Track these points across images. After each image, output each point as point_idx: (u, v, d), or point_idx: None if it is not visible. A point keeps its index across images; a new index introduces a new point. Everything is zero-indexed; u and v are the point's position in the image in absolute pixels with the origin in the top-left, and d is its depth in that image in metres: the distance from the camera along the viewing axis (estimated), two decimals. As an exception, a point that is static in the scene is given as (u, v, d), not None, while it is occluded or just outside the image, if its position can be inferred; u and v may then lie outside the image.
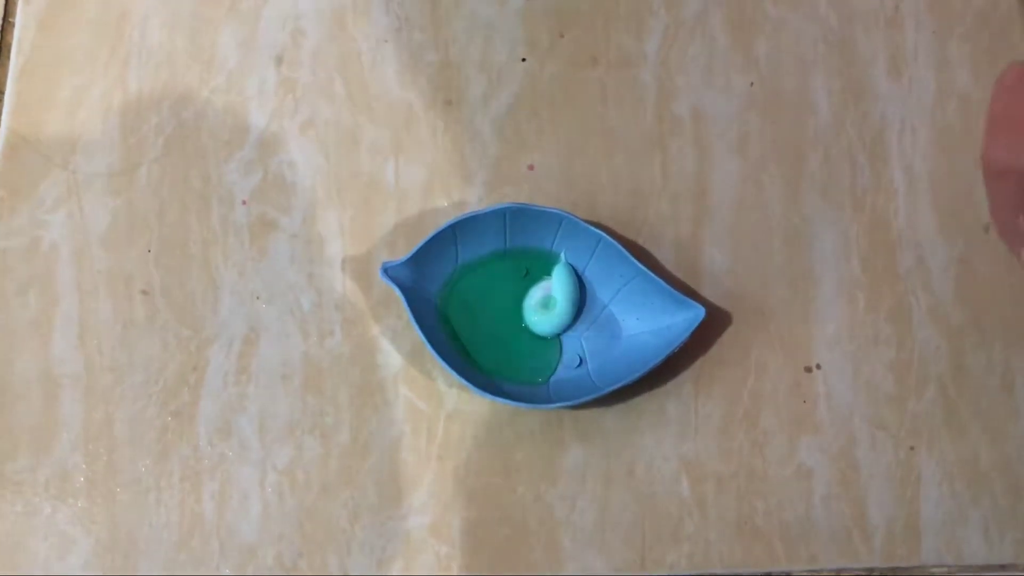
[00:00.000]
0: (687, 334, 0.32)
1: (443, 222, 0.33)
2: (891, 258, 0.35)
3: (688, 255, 0.35)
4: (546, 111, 0.37)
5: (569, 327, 0.34)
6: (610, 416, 0.34)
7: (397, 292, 0.33)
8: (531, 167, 0.36)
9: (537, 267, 0.35)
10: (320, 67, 0.37)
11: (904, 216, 0.35)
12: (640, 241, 0.35)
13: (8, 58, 0.37)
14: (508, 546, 0.33)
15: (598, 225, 0.33)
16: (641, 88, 0.37)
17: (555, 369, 0.34)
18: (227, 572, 0.32)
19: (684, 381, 0.34)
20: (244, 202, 0.36)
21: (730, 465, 0.33)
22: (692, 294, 0.35)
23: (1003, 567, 0.33)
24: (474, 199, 0.36)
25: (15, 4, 0.38)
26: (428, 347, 0.32)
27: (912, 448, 0.33)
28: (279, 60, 0.37)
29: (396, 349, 0.34)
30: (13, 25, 0.38)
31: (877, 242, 0.35)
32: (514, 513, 0.33)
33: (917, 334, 0.34)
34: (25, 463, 0.34)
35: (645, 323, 0.34)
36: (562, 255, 0.34)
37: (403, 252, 0.34)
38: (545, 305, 0.34)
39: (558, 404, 0.32)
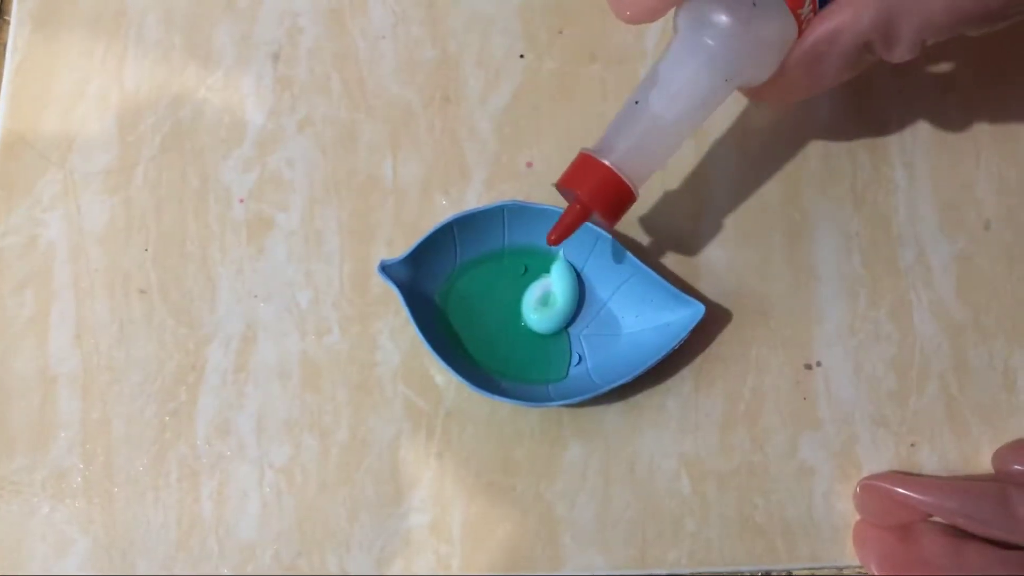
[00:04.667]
0: (687, 331, 0.32)
1: (441, 219, 0.33)
2: (892, 254, 0.35)
3: (687, 252, 0.35)
4: (545, 108, 0.36)
5: (568, 325, 0.34)
6: (610, 413, 0.34)
7: (395, 290, 0.32)
8: (530, 164, 0.36)
9: (536, 264, 0.35)
10: (317, 64, 0.37)
11: (905, 212, 0.35)
12: (639, 238, 0.35)
13: (3, 56, 0.37)
14: (508, 544, 0.33)
15: (596, 222, 0.33)
16: (640, 84, 0.37)
17: (567, 370, 0.34)
18: (226, 571, 0.32)
19: (684, 378, 0.34)
20: (241, 200, 0.36)
21: (731, 462, 0.33)
22: (691, 291, 0.34)
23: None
24: (473, 196, 0.36)
25: (10, 1, 0.38)
26: (426, 345, 0.32)
27: (913, 445, 0.33)
28: (276, 57, 0.37)
29: (395, 347, 0.34)
30: (8, 23, 0.38)
31: (878, 238, 0.35)
32: (514, 511, 0.33)
33: (918, 330, 0.34)
34: (22, 463, 0.33)
35: (645, 320, 0.34)
36: (560, 252, 0.34)
37: (401, 250, 0.34)
38: (544, 302, 0.34)
39: (558, 402, 0.32)
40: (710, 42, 0.28)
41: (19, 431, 0.34)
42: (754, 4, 0.27)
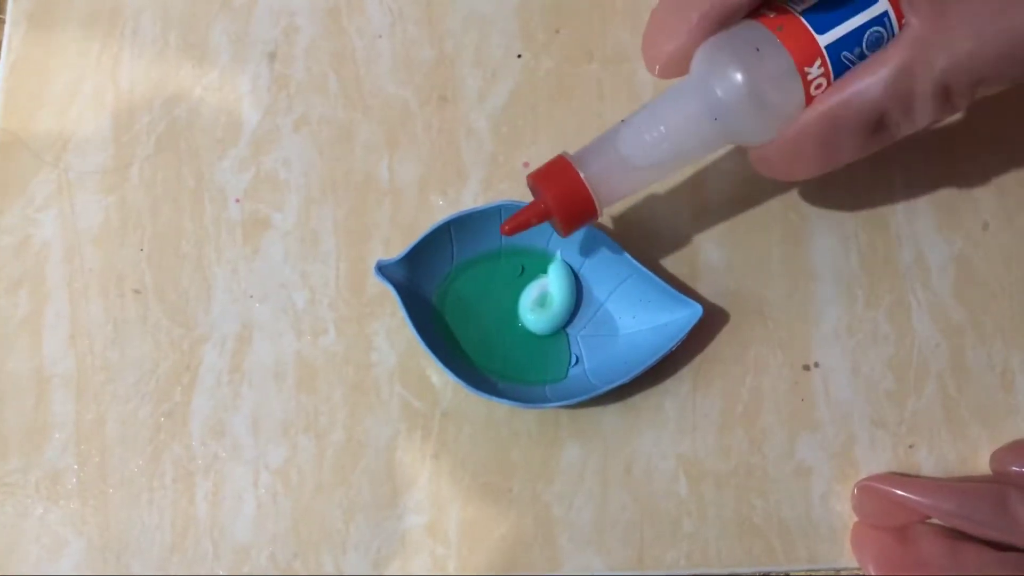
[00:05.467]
0: (684, 332, 0.32)
1: (438, 220, 0.33)
2: (890, 255, 0.35)
3: (685, 252, 0.35)
4: (542, 107, 0.36)
5: (565, 325, 0.34)
6: (607, 414, 0.34)
7: (391, 290, 0.32)
8: (527, 164, 0.36)
9: (533, 265, 0.34)
10: (314, 63, 0.37)
11: (903, 213, 0.35)
12: (636, 238, 0.35)
13: (-1, 55, 0.37)
14: (505, 545, 0.32)
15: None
16: (638, 84, 0.37)
17: (565, 371, 0.33)
18: (221, 573, 0.32)
19: (682, 379, 0.34)
20: (237, 200, 0.35)
21: (728, 463, 0.33)
22: (689, 292, 0.34)
23: (1003, 565, 0.33)
24: (469, 196, 0.36)
25: (5, 1, 0.38)
26: (423, 345, 0.32)
27: (911, 446, 0.33)
28: (272, 56, 0.37)
29: (391, 347, 0.34)
30: (3, 22, 0.37)
31: (876, 239, 0.35)
32: (511, 512, 0.33)
33: (916, 331, 0.34)
34: (16, 464, 0.33)
35: (642, 321, 0.34)
36: (558, 253, 0.34)
37: (398, 250, 0.34)
38: (541, 303, 0.34)
39: (555, 403, 0.32)
40: (716, 89, 0.27)
41: (13, 432, 0.33)
42: (757, 49, 0.27)
